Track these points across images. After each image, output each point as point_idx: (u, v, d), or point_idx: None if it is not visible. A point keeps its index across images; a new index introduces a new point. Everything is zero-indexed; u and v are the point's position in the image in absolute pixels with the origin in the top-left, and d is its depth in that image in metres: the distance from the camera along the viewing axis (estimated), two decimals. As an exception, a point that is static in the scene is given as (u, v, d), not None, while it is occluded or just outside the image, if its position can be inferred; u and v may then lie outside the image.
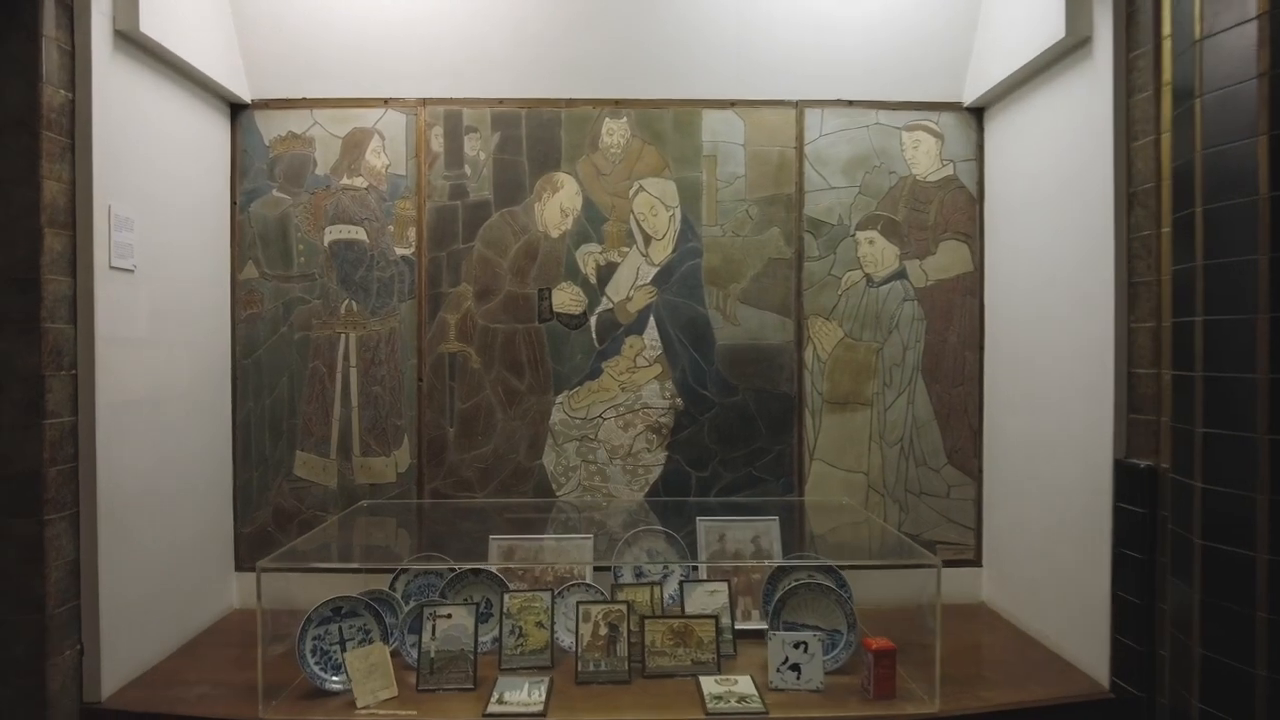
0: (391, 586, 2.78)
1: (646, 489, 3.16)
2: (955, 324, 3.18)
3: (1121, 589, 2.33)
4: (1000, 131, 3.08)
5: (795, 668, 2.41)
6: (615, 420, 3.15)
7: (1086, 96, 2.48)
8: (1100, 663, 2.43)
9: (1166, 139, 2.14)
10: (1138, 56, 2.27)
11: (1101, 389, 2.42)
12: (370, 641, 2.49)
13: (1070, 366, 2.60)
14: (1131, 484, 2.29)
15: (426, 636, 2.46)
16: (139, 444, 2.53)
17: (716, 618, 2.57)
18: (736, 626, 2.70)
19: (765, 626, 2.70)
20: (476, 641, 2.47)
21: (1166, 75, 2.13)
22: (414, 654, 2.51)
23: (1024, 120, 2.90)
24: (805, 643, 2.42)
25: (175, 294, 2.76)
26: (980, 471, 3.20)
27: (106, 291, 2.36)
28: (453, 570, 2.75)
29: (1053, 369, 2.72)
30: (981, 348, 3.18)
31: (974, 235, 3.18)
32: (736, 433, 3.15)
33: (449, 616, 2.48)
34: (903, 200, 3.16)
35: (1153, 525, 2.23)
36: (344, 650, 2.45)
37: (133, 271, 2.49)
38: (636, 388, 3.14)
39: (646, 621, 2.52)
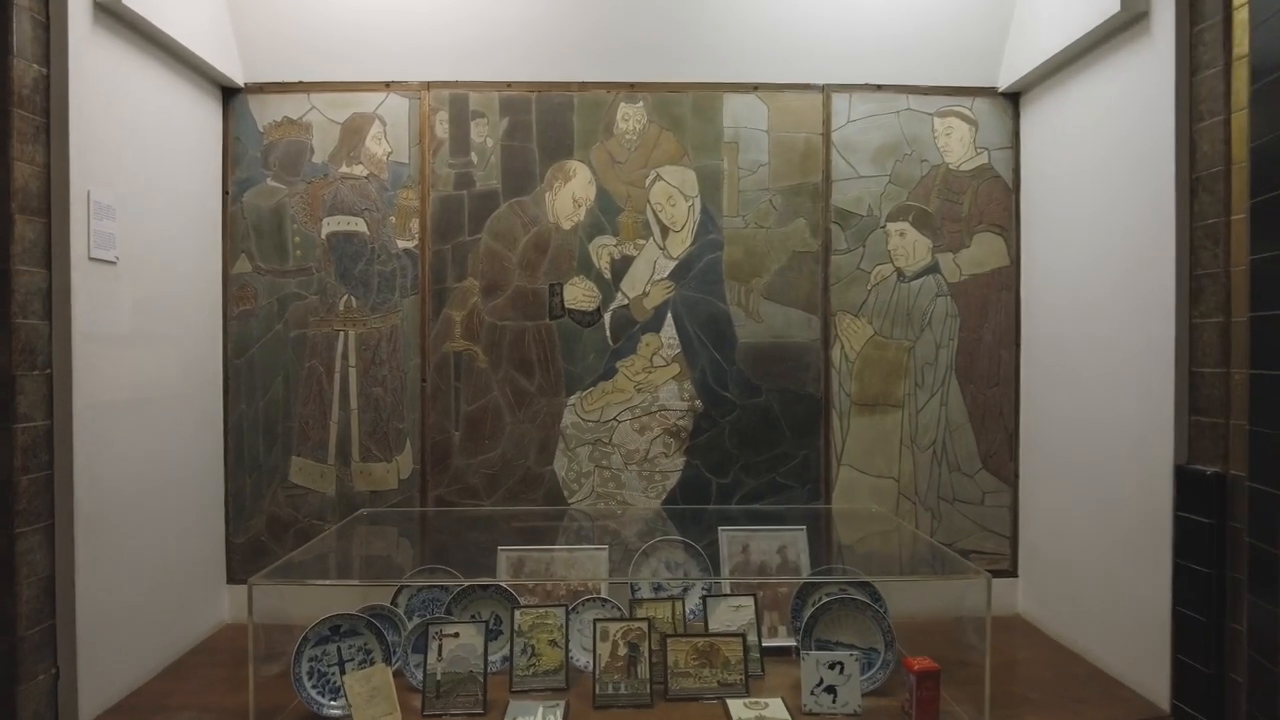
0: (394, 601, 2.60)
1: (664, 496, 2.98)
2: (990, 321, 3.01)
3: (1184, 605, 2.16)
4: (1038, 118, 2.91)
5: (830, 690, 2.24)
6: (631, 423, 2.97)
7: (1142, 76, 2.31)
8: (1158, 683, 2.26)
9: (1240, 118, 1.96)
10: (1203, 30, 2.10)
11: (1159, 390, 2.25)
12: (371, 662, 2.32)
13: (1120, 365, 2.43)
14: (1195, 492, 2.11)
15: (432, 657, 2.29)
16: (121, 449, 2.35)
17: (744, 635, 2.40)
18: (763, 643, 2.53)
19: (794, 643, 2.55)
20: (486, 662, 2.30)
21: (1240, 48, 1.96)
22: (419, 675, 2.33)
23: (1064, 105, 2.74)
24: (841, 663, 2.25)
25: (162, 288, 2.58)
26: (1016, 477, 3.03)
27: (86, 284, 2.18)
28: (460, 585, 2.56)
29: (1099, 368, 2.55)
30: (1018, 346, 3.02)
31: (1009, 228, 3.02)
32: (759, 436, 2.98)
33: (456, 635, 2.31)
34: (935, 190, 3.00)
35: (1220, 537, 2.05)
36: (343, 672, 2.27)
37: (115, 263, 2.31)
38: (653, 389, 2.97)
39: (669, 640, 2.35)
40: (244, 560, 2.94)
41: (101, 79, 2.27)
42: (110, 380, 2.30)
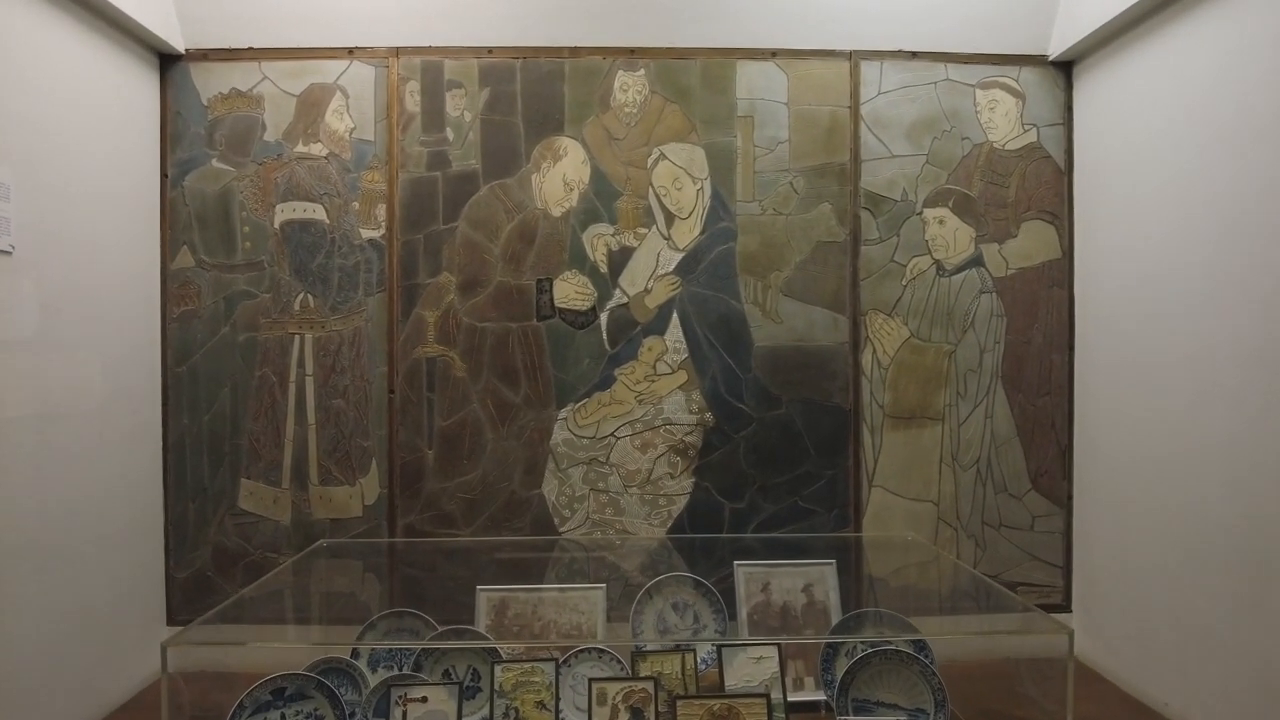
0: (355, 651, 2.22)
1: (669, 524, 2.61)
2: (1040, 321, 2.65)
3: (1303, 662, 1.79)
4: (1094, 89, 2.56)
5: (874, 764, 1.86)
6: (631, 439, 2.60)
7: (1240, 24, 1.96)
8: (1266, 754, 1.89)
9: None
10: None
11: (1261, 395, 1.88)
12: (322, 733, 1.93)
13: (1210, 367, 2.06)
14: (1318, 526, 1.75)
15: (395, 726, 1.90)
16: (24, 475, 1.97)
17: (768, 695, 2.01)
18: (789, 699, 2.15)
19: (822, 697, 2.19)
20: (460, 730, 1.92)
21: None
22: (380, 745, 1.95)
23: (1127, 73, 2.39)
24: (886, 731, 1.88)
25: (81, 285, 2.20)
26: (1070, 499, 2.66)
27: (-32, 278, 1.80)
28: (421, 645, 2.20)
29: (1175, 371, 2.18)
30: (1071, 349, 2.65)
31: (1061, 214, 2.65)
32: (779, 454, 2.61)
33: (423, 700, 1.93)
34: (978, 172, 2.63)
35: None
36: (286, 746, 1.89)
37: (10, 253, 1.92)
38: (657, 400, 2.60)
39: (679, 703, 1.96)
40: (186, 598, 2.58)
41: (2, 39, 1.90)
42: (7, 392, 1.91)
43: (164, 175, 2.57)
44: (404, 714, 1.92)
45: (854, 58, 2.61)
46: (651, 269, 2.59)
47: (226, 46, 2.56)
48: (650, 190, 2.59)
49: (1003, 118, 2.64)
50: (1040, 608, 2.57)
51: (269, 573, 2.48)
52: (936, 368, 2.63)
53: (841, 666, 2.15)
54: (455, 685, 1.97)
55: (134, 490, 2.45)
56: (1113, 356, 2.48)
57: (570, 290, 2.59)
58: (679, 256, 2.60)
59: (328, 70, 2.57)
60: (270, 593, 2.41)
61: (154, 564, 2.55)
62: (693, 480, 2.61)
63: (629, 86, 2.58)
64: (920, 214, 2.62)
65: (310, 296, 2.57)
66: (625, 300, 2.60)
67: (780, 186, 2.60)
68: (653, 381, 2.60)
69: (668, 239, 2.59)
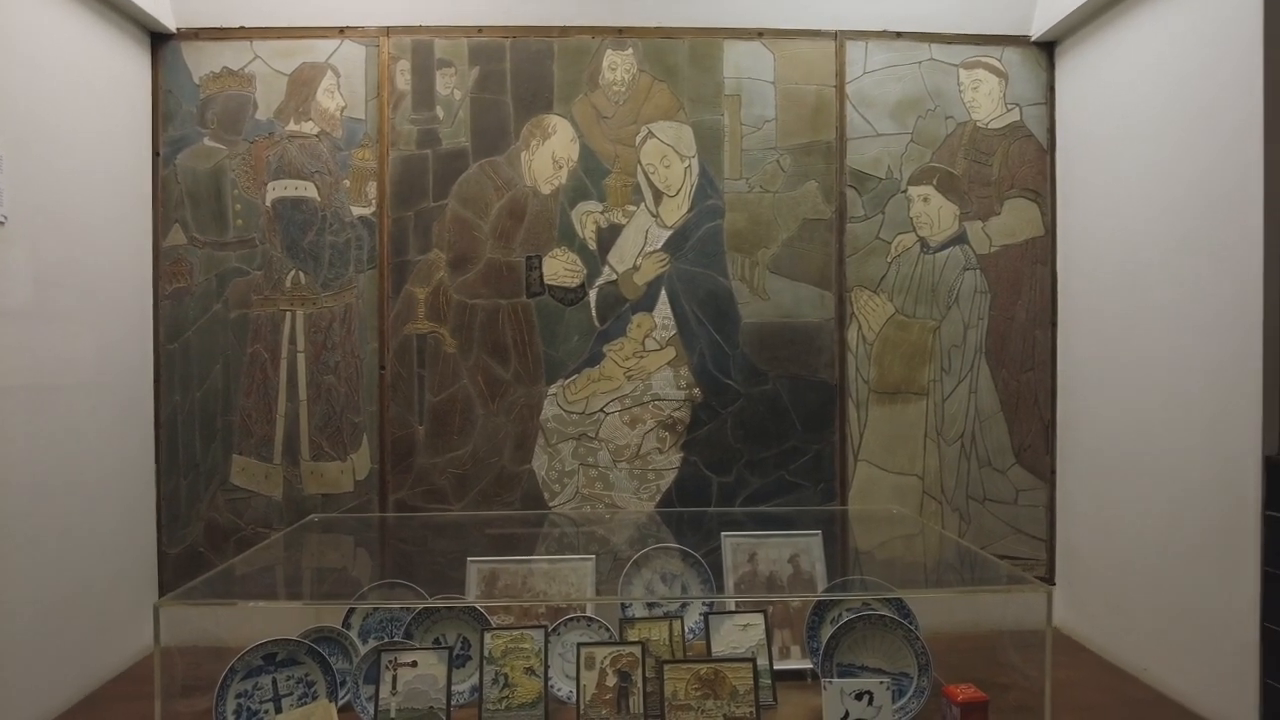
0: (345, 622, 2.24)
1: (658, 497, 2.64)
2: (1024, 297, 2.68)
3: (1275, 621, 1.83)
4: (1075, 69, 2.59)
5: (858, 725, 1.89)
6: (620, 415, 2.62)
7: (1211, 5, 2.00)
8: (1242, 712, 1.93)
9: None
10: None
11: (1240, 367, 1.92)
12: (313, 698, 1.97)
13: (1185, 342, 2.10)
14: (1290, 487, 1.79)
15: (385, 690, 1.93)
16: (17, 448, 1.98)
17: (754, 659, 2.04)
18: (775, 666, 2.18)
19: (809, 665, 2.21)
20: (449, 694, 1.94)
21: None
22: (371, 710, 1.97)
23: (1107, 53, 2.43)
24: (870, 692, 1.91)
25: (73, 258, 2.22)
26: (1053, 473, 2.69)
27: (-40, 246, 1.81)
28: (418, 605, 2.21)
29: (1153, 347, 2.22)
30: (1054, 325, 2.69)
31: (1044, 192, 2.69)
32: (766, 429, 2.64)
33: (413, 664, 1.95)
34: (961, 150, 2.66)
35: (1324, 541, 1.72)
36: (278, 710, 1.92)
37: (3, 224, 1.93)
38: (646, 376, 2.62)
39: (666, 666, 1.99)
40: (178, 573, 2.59)
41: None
42: (1, 361, 1.93)
43: (155, 153, 2.58)
44: (394, 678, 1.94)
45: (839, 37, 2.64)
46: (640, 246, 2.62)
47: (218, 25, 2.57)
48: (639, 168, 2.61)
49: (986, 97, 2.68)
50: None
51: (257, 546, 2.50)
52: (921, 343, 2.66)
53: (827, 633, 2.18)
54: (445, 650, 1.99)
55: (126, 466, 2.46)
56: (1095, 332, 2.51)
57: (559, 267, 2.61)
58: (667, 234, 2.62)
59: (319, 49, 2.59)
60: (261, 568, 2.42)
61: (146, 539, 2.56)
62: (681, 455, 2.64)
63: (617, 65, 2.61)
64: (905, 192, 2.65)
65: (301, 273, 2.58)
66: (614, 277, 2.62)
67: (767, 164, 2.63)
68: (641, 358, 2.62)
69: (656, 216, 2.62)
